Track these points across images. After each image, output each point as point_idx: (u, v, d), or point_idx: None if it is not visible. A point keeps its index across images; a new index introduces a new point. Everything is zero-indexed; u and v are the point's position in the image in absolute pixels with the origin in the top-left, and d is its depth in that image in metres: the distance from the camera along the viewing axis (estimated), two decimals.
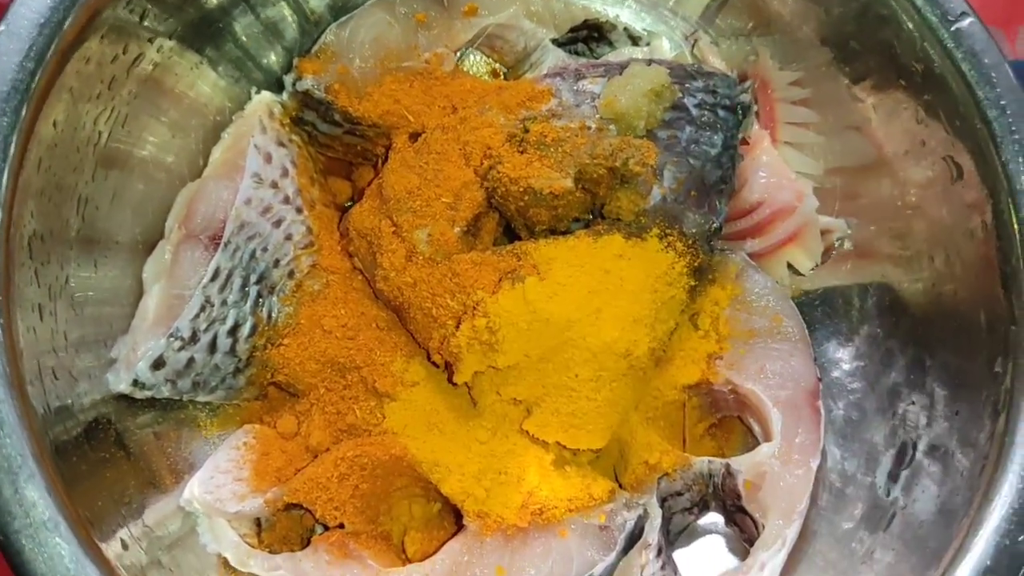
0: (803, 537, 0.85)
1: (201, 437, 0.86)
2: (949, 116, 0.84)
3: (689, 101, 0.86)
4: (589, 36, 0.99)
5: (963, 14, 0.83)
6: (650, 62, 0.86)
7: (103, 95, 0.79)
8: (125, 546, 0.70)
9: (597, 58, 0.98)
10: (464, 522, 0.79)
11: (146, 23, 0.80)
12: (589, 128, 0.83)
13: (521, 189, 0.82)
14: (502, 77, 0.99)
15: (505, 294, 0.78)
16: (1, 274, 0.66)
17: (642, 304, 0.81)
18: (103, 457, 0.76)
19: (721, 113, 0.87)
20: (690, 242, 0.84)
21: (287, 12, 0.94)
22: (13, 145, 0.69)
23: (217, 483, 0.79)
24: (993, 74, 0.81)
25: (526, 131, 0.83)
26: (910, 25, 0.85)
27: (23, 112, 0.70)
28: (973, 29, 0.83)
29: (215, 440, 0.86)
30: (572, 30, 0.98)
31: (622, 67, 0.86)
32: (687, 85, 0.87)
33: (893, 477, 0.85)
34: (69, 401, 0.73)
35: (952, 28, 0.83)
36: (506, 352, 0.78)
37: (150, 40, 0.82)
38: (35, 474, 0.63)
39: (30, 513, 0.62)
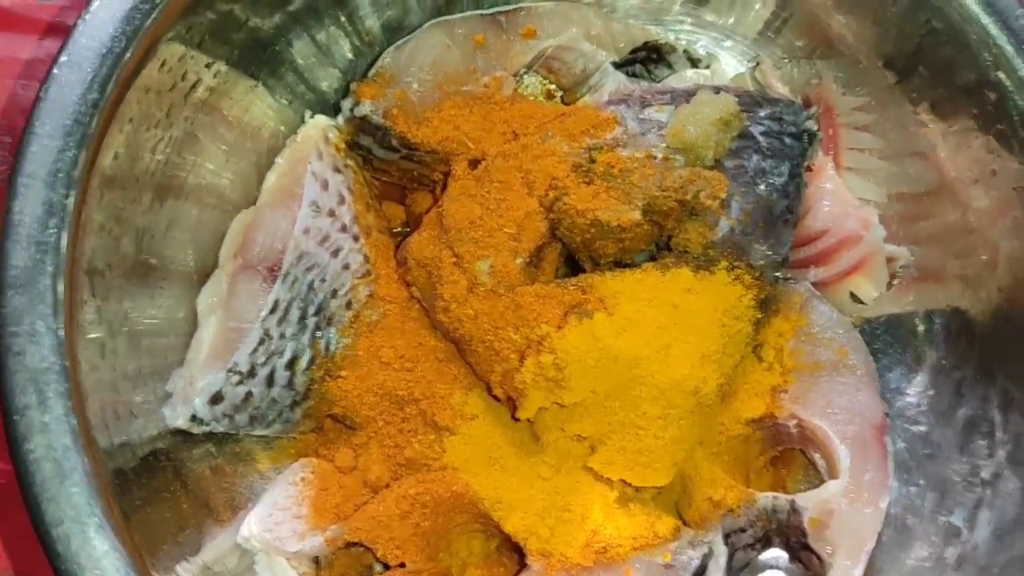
0: (868, 574, 0.83)
1: (256, 471, 0.85)
2: (1023, 147, 0.82)
3: (756, 129, 0.84)
4: (648, 57, 0.96)
5: None
6: (717, 90, 0.84)
7: (161, 123, 0.77)
8: None
9: (656, 80, 0.96)
10: (527, 561, 0.78)
11: (204, 49, 0.79)
12: (655, 158, 0.81)
13: (588, 221, 0.80)
14: (558, 99, 0.97)
15: (572, 329, 0.76)
16: (66, 316, 0.64)
17: (711, 339, 0.79)
18: (162, 494, 0.74)
19: (788, 141, 0.85)
20: (757, 274, 0.82)
21: (341, 34, 0.92)
22: (76, 181, 0.67)
23: (276, 520, 0.78)
24: None
25: (592, 161, 0.81)
26: (983, 53, 0.82)
27: (86, 146, 0.68)
28: None
29: (270, 474, 0.84)
30: (631, 52, 0.95)
31: (688, 94, 0.84)
32: (754, 113, 0.85)
33: (962, 515, 0.83)
34: (128, 438, 0.72)
35: None
36: (572, 389, 0.77)
37: (207, 66, 0.80)
38: (104, 524, 0.62)
39: (99, 564, 0.61)
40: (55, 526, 0.61)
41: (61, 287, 0.65)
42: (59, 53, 0.69)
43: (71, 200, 0.66)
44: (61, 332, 0.64)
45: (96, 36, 0.69)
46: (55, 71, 0.68)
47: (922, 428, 0.90)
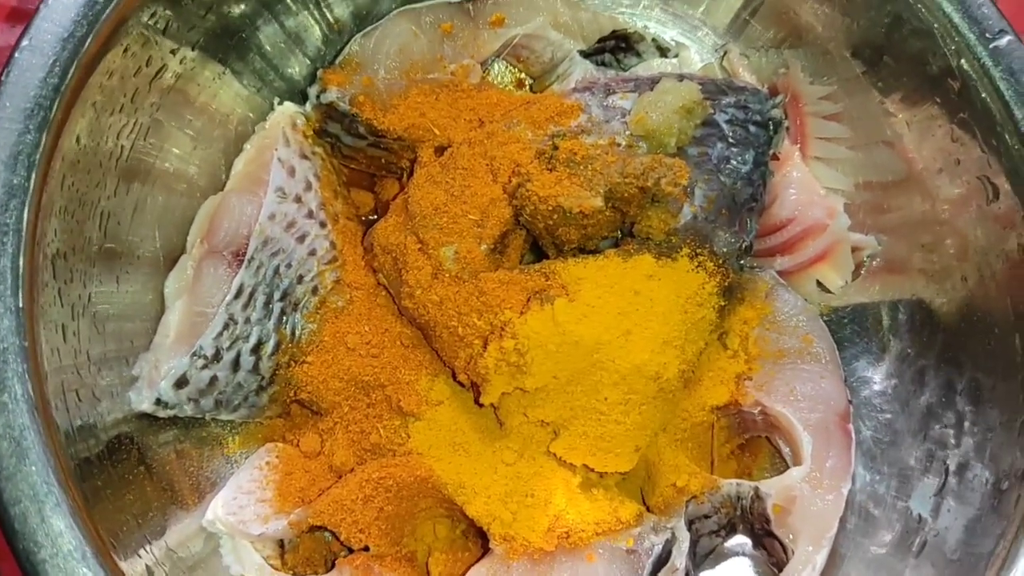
0: (831, 561, 0.84)
1: (223, 455, 0.85)
2: (985, 135, 0.82)
3: (720, 117, 0.85)
4: (616, 47, 0.97)
5: (1001, 32, 0.81)
6: (681, 77, 0.85)
7: (126, 108, 0.77)
8: (150, 571, 0.69)
9: (624, 69, 0.97)
10: (490, 545, 0.78)
11: (169, 34, 0.79)
12: (619, 145, 0.82)
13: (550, 208, 0.80)
14: (528, 88, 0.97)
15: (534, 315, 0.77)
16: (25, 296, 0.65)
17: (672, 325, 0.79)
18: (125, 477, 0.74)
19: (752, 129, 0.85)
20: (720, 261, 0.82)
21: (311, 21, 0.92)
22: (37, 163, 0.67)
23: (240, 504, 0.78)
24: None
25: (555, 148, 0.82)
26: (947, 41, 0.83)
27: (46, 129, 0.68)
28: (1012, 47, 0.81)
29: (237, 458, 0.85)
30: (599, 40, 0.96)
31: (653, 82, 0.84)
32: (718, 100, 0.85)
33: (925, 501, 0.84)
34: (91, 421, 0.72)
35: (991, 46, 0.81)
36: (534, 374, 0.77)
37: (173, 51, 0.80)
38: (60, 503, 0.62)
39: (56, 542, 0.61)
40: (12, 504, 0.61)
41: (21, 268, 0.65)
42: (21, 37, 0.69)
43: (32, 182, 0.67)
44: (21, 313, 0.64)
45: (57, 20, 0.70)
46: (16, 55, 0.68)
47: (887, 416, 0.91)
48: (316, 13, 0.92)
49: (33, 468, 0.62)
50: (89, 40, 0.70)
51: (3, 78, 0.68)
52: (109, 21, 0.72)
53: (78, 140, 0.72)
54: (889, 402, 0.91)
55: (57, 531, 0.61)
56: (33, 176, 0.67)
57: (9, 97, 0.67)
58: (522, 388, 0.78)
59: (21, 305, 0.64)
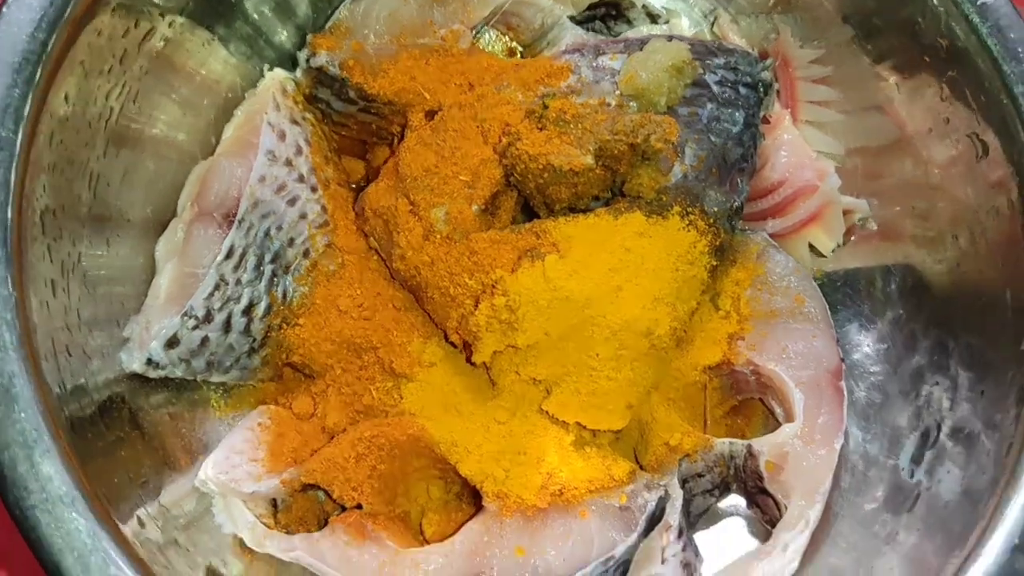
0: (825, 519, 0.83)
1: (215, 418, 0.85)
2: (974, 93, 0.83)
3: (710, 78, 0.85)
4: (607, 14, 0.97)
5: None
6: (671, 38, 0.85)
7: (114, 69, 0.77)
8: (142, 524, 0.69)
9: (615, 35, 0.97)
10: (483, 503, 0.78)
11: None
12: (609, 105, 0.82)
13: (540, 166, 0.80)
14: (518, 55, 0.97)
15: (524, 272, 0.77)
16: (13, 248, 0.65)
17: (663, 283, 0.79)
18: (118, 436, 0.74)
19: (742, 91, 0.85)
20: (711, 221, 0.83)
21: None
22: (26, 117, 0.67)
23: (232, 463, 0.78)
24: (1019, 49, 0.80)
25: (545, 107, 0.82)
26: (934, 0, 0.83)
27: (35, 83, 0.68)
28: (999, 4, 0.81)
29: (230, 421, 0.85)
30: (590, 7, 0.96)
31: (642, 43, 0.85)
32: (708, 62, 0.85)
33: (917, 459, 0.84)
34: (83, 380, 0.72)
35: (978, 3, 0.82)
36: (525, 331, 0.77)
37: (161, 15, 0.80)
38: (51, 449, 0.62)
39: (46, 488, 0.61)
40: (2, 450, 0.61)
41: (9, 220, 0.65)
42: None
43: (20, 136, 0.67)
44: (9, 264, 0.64)
45: None
46: (4, 10, 0.69)
47: (880, 378, 0.91)
48: None
49: (23, 415, 0.62)
50: None
51: None
52: None
53: (66, 98, 0.72)
54: (881, 363, 0.91)
55: (47, 476, 0.61)
56: (21, 130, 0.67)
57: None
58: (514, 346, 0.78)
59: (10, 255, 0.64)
